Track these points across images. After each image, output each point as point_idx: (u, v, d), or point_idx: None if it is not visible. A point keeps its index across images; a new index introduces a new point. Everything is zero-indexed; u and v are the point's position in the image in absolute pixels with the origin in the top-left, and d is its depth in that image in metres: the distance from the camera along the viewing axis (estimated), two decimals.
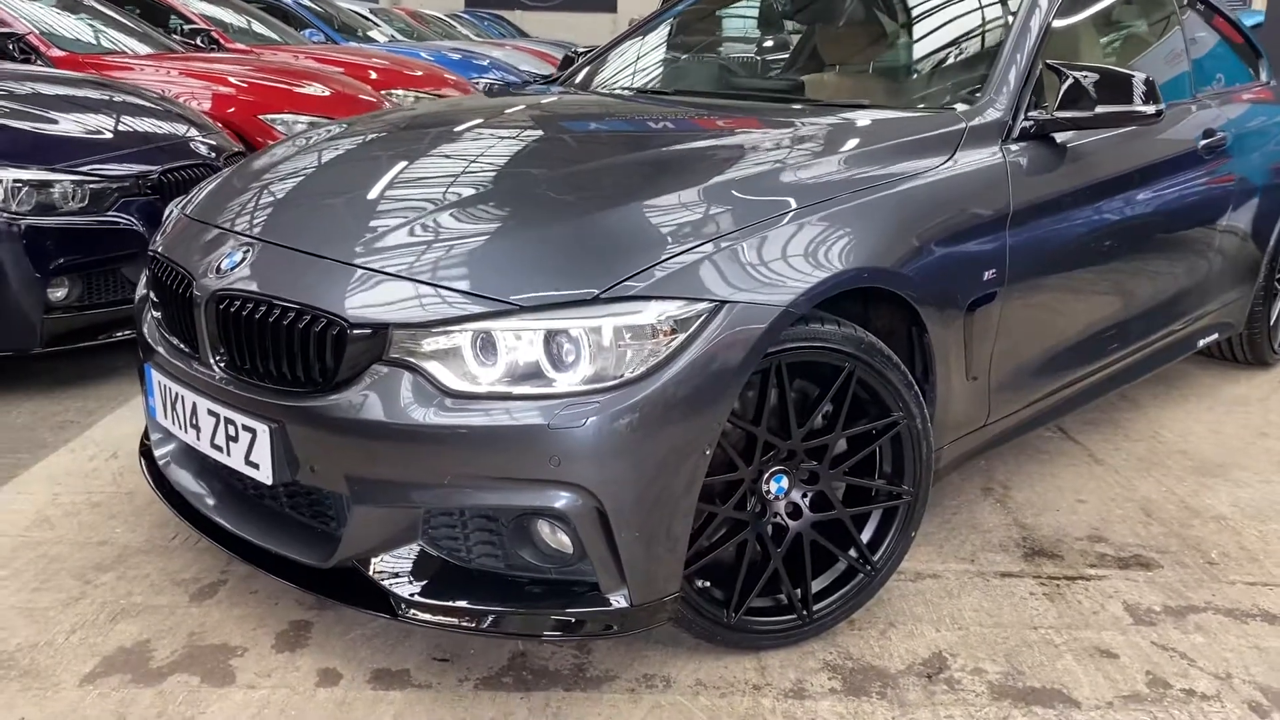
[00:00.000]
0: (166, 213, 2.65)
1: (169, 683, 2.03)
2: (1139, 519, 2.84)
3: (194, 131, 4.20)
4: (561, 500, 1.80)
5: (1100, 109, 2.57)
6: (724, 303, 1.87)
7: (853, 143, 2.38)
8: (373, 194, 2.27)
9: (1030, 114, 2.60)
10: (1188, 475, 3.13)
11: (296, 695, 2.01)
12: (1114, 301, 2.96)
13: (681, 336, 1.83)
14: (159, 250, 2.36)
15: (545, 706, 1.99)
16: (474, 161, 2.45)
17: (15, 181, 3.35)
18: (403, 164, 2.45)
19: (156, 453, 2.42)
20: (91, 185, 3.51)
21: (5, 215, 3.32)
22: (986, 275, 2.40)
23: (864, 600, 2.26)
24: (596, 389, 1.79)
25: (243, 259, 2.09)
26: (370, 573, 1.95)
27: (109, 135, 3.78)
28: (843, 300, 2.11)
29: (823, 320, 2.06)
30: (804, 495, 2.16)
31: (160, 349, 2.26)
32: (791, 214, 2.06)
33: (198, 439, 2.13)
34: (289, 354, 1.95)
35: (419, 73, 8.10)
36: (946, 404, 2.39)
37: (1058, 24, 2.86)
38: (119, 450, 3.08)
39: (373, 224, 2.10)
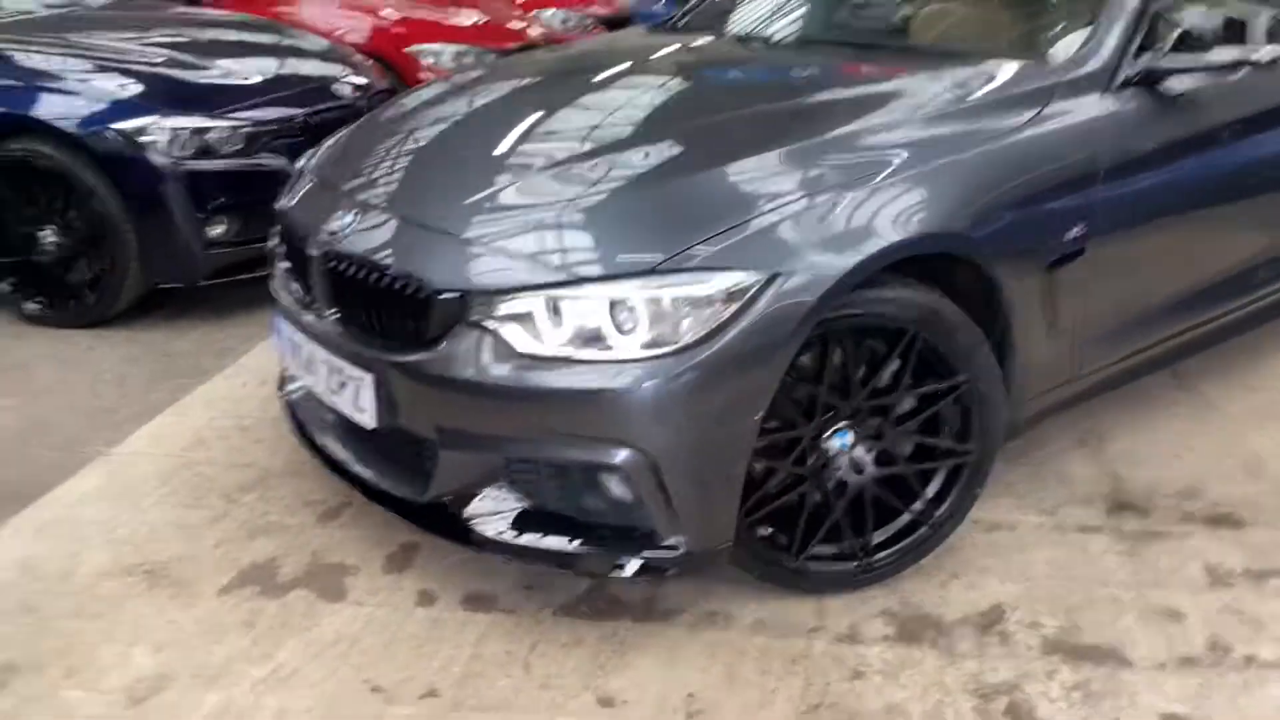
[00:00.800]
0: (296, 166, 2.89)
1: (291, 596, 2.33)
2: (1240, 476, 2.79)
3: (341, 71, 4.46)
4: (618, 456, 1.95)
5: (1213, 56, 2.48)
6: (777, 274, 1.95)
7: (934, 100, 2.38)
8: (470, 158, 2.45)
9: (1137, 62, 2.52)
10: None
11: (397, 613, 2.26)
12: (1229, 253, 2.86)
13: (735, 306, 1.93)
14: (284, 206, 2.60)
15: (613, 635, 2.19)
16: (575, 123, 2.57)
17: (176, 129, 3.67)
18: (504, 126, 2.59)
19: (288, 387, 2.70)
20: (245, 130, 3.81)
21: (170, 160, 3.65)
22: (1072, 233, 2.38)
23: (926, 552, 2.34)
24: (652, 356, 1.92)
25: (351, 221, 2.30)
26: (457, 509, 2.17)
27: (261, 80, 4.07)
28: (925, 259, 2.16)
29: (886, 284, 2.12)
30: (868, 450, 2.25)
31: (285, 298, 2.51)
32: (860, 180, 2.11)
33: (315, 383, 2.38)
34: (388, 312, 2.15)
35: None
36: (1027, 361, 2.41)
37: None
38: (268, 378, 3.40)
39: (465, 190, 2.26)
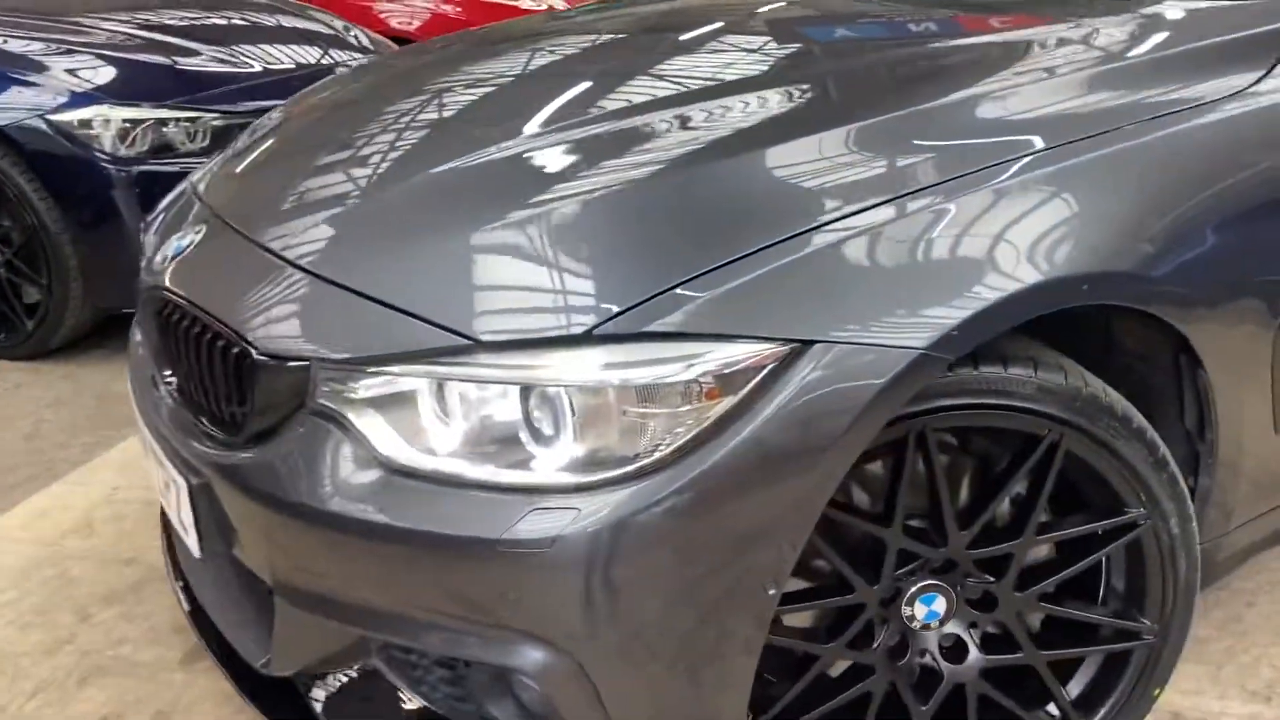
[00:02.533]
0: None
1: None
2: None
3: (348, 56, 3.75)
4: (525, 658, 1.14)
5: None
6: (812, 343, 1.11)
7: (1091, 52, 1.50)
8: (382, 144, 1.66)
9: None
10: None
11: None
12: None
13: (732, 400, 1.10)
14: (149, 220, 1.87)
15: None
16: (556, 93, 1.74)
17: (126, 121, 3.00)
18: (415, 113, 1.78)
19: None
20: (213, 123, 3.12)
21: (120, 158, 2.99)
22: None
23: None
24: (588, 483, 1.10)
25: (190, 243, 1.54)
26: (308, 697, 1.38)
27: (242, 66, 3.38)
28: (1068, 315, 1.29)
29: (1006, 359, 1.25)
30: (971, 626, 1.38)
31: (135, 349, 1.77)
32: (967, 181, 1.25)
33: (152, 474, 1.63)
34: (214, 386, 1.39)
35: None
36: (1237, 469, 1.51)
37: None
38: None
39: (343, 194, 1.48)
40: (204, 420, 1.43)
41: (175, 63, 3.27)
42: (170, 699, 1.77)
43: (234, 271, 1.41)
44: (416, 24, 5.50)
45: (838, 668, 1.40)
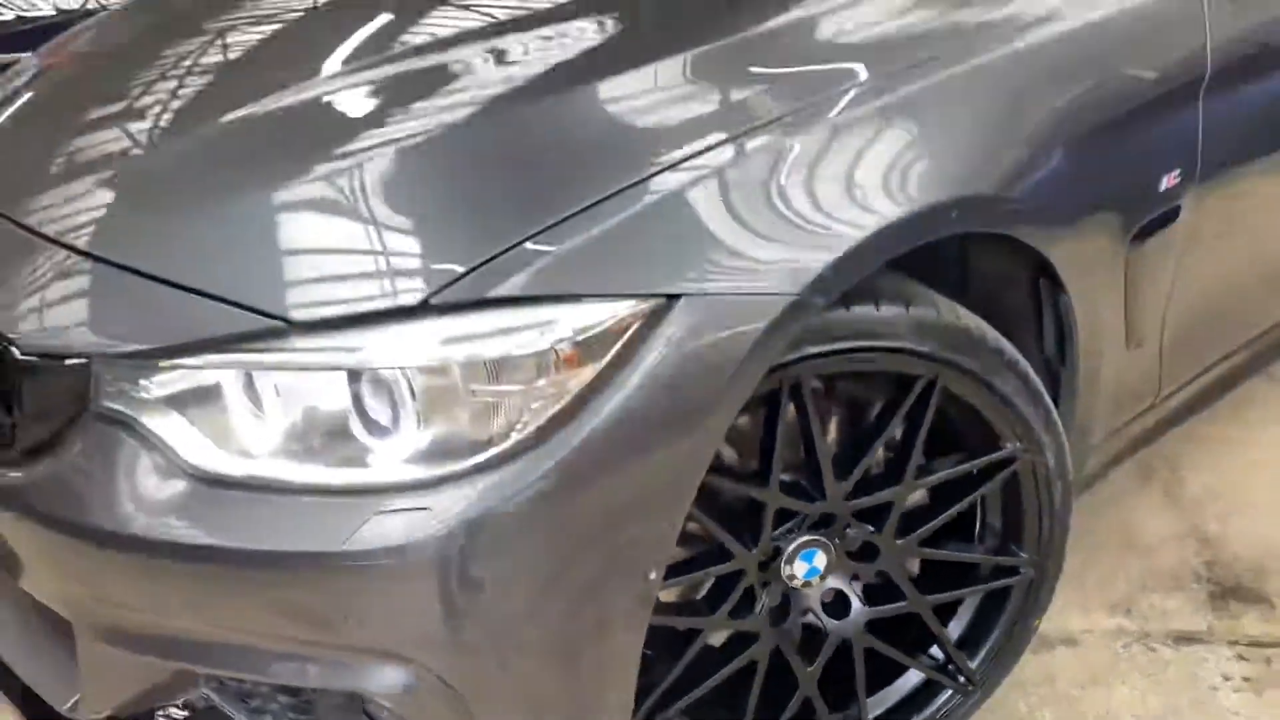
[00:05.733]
0: None
1: None
2: None
3: None
4: (378, 679, 1.00)
5: None
6: (676, 298, 1.00)
7: None
8: (130, 108, 1.42)
9: None
10: None
11: None
12: None
13: (594, 369, 0.98)
14: None
15: None
16: (312, 33, 1.55)
17: None
18: (197, 56, 1.54)
19: None
20: None
21: None
22: (1165, 182, 1.45)
23: None
24: (430, 479, 0.96)
25: None
26: None
27: None
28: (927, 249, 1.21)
29: (878, 297, 1.17)
30: (853, 579, 1.32)
31: None
32: (812, 112, 1.15)
33: None
34: None
35: None
36: (1094, 387, 1.49)
37: None
38: None
39: (102, 163, 1.27)
40: None
41: None
42: None
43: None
44: None
45: (718, 637, 1.32)
